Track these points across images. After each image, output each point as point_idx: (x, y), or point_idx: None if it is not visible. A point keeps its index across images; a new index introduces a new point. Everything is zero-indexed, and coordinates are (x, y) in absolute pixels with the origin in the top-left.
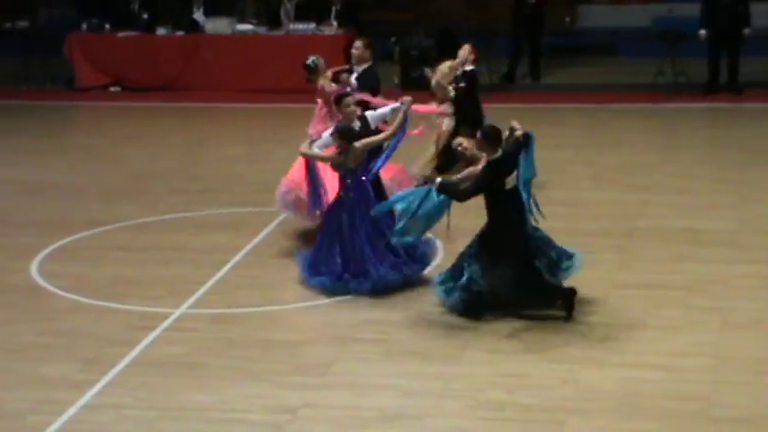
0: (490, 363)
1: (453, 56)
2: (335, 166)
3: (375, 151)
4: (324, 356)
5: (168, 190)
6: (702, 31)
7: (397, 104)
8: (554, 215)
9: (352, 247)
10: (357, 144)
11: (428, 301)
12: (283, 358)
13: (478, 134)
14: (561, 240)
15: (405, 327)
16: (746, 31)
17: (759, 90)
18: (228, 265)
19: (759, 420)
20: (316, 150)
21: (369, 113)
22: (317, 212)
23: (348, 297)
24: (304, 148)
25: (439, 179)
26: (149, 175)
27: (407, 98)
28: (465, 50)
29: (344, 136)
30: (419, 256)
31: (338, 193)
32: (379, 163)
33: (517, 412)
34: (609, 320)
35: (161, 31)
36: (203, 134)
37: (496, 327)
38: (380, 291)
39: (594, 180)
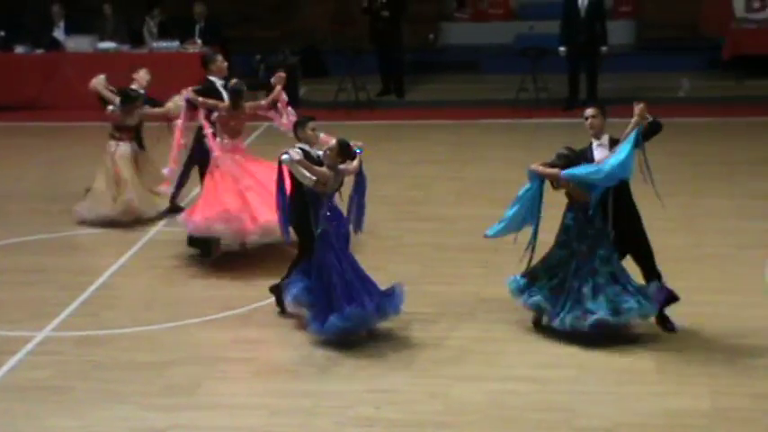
0: (359, 379)
1: (321, 73)
2: (320, 187)
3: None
4: (191, 377)
5: (30, 210)
6: (562, 48)
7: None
8: (421, 231)
9: (351, 280)
10: (343, 167)
11: (296, 319)
12: (150, 379)
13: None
14: (429, 256)
15: (274, 345)
16: (603, 48)
17: (616, 105)
18: (93, 287)
19: (620, 429)
20: (301, 167)
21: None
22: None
23: (218, 315)
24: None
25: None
26: (11, 195)
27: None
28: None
29: (345, 153)
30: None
31: (318, 225)
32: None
33: (386, 428)
34: (477, 334)
35: (19, 50)
36: (66, 153)
37: (364, 343)
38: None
39: (460, 195)
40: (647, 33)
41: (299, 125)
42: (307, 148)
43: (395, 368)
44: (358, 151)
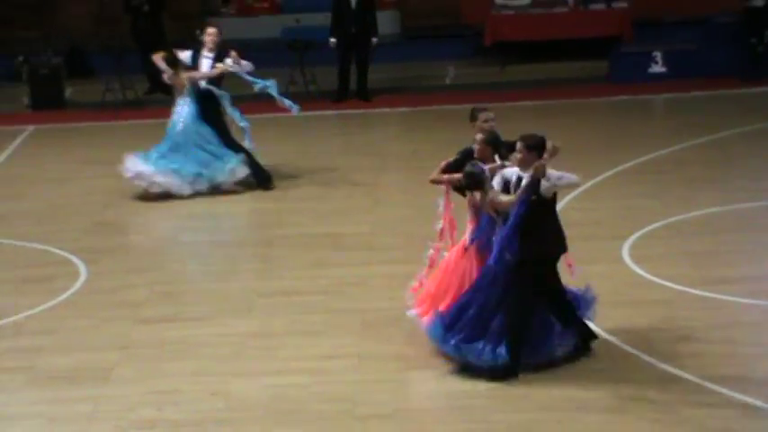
0: (140, 381)
1: (86, 74)
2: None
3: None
4: None
5: None
6: (333, 40)
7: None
8: (193, 229)
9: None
10: (489, 194)
11: (74, 327)
12: None
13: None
14: (205, 253)
15: (51, 352)
16: (374, 40)
17: (386, 95)
18: None
19: (402, 415)
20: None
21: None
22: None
23: None
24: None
25: None
26: None
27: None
28: None
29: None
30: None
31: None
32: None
33: (168, 428)
34: (255, 330)
35: None
36: None
37: (144, 346)
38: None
39: (232, 191)
40: (412, 22)
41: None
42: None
43: (175, 368)
44: None
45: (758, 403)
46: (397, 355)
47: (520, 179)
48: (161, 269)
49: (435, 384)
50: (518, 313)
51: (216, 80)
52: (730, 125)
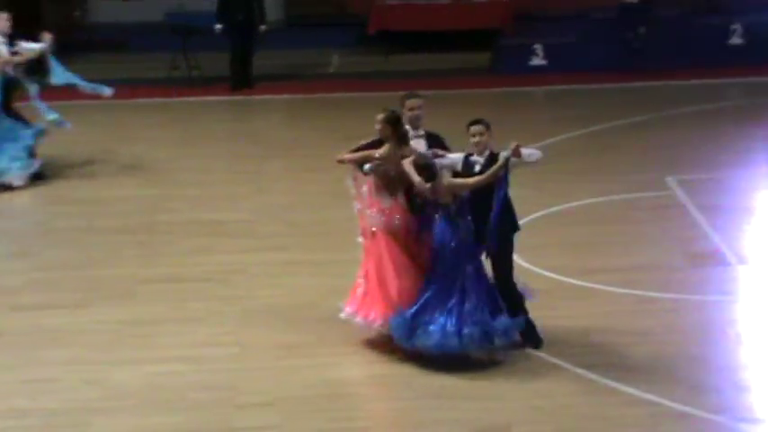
0: (13, 370)
1: None
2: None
3: None
4: None
5: None
6: (218, 26)
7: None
8: (74, 214)
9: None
10: (443, 181)
11: None
12: None
13: None
14: (82, 240)
15: None
16: (262, 27)
17: (270, 82)
18: None
19: (281, 403)
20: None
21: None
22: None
23: None
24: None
25: None
26: None
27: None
28: None
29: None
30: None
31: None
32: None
33: (41, 418)
34: (134, 317)
35: None
36: None
37: (16, 334)
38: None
39: (112, 177)
40: (296, 10)
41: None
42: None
43: (51, 357)
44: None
45: (633, 391)
46: (277, 344)
47: (472, 163)
48: (37, 255)
49: (315, 372)
50: (511, 284)
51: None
52: (608, 118)
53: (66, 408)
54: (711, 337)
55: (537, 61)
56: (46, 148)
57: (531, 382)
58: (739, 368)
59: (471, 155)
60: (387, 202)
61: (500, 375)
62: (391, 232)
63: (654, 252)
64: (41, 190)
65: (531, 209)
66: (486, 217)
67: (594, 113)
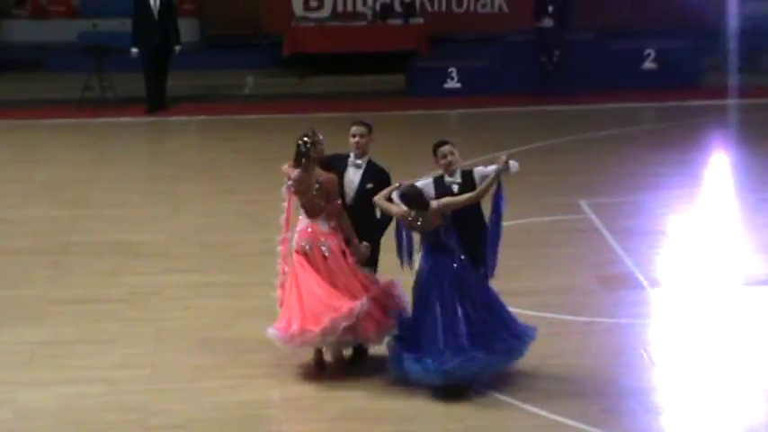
0: None
1: None
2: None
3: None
4: None
5: None
6: (134, 50)
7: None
8: None
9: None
10: (434, 205)
11: None
12: None
13: None
14: None
15: None
16: (177, 48)
17: (185, 103)
18: None
19: (194, 425)
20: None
21: (478, 169)
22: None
23: None
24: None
25: None
26: None
27: (502, 157)
28: None
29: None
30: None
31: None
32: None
33: None
34: (46, 338)
35: None
36: None
37: None
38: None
39: (25, 197)
40: (211, 30)
41: (433, 151)
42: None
43: None
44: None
45: (544, 413)
46: (190, 366)
47: (448, 184)
48: None
49: (228, 395)
50: None
51: None
52: (521, 141)
53: None
54: (623, 360)
55: (451, 84)
56: None
57: (444, 405)
58: (651, 390)
59: (441, 177)
60: (303, 223)
61: (413, 397)
62: (301, 253)
63: (567, 275)
64: None
65: None
66: (471, 237)
67: (509, 137)
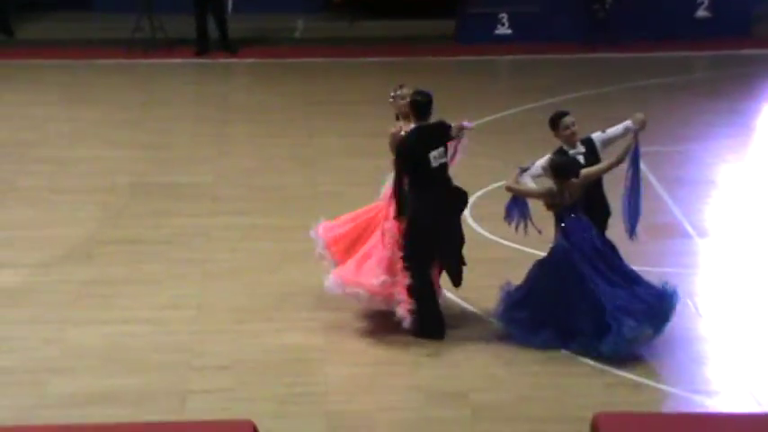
0: None
1: None
2: (551, 204)
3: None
4: None
5: None
6: None
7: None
8: (36, 174)
9: (586, 302)
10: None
11: None
12: None
13: None
14: (45, 199)
15: None
16: None
17: (248, 47)
18: None
19: (238, 366)
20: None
21: (597, 135)
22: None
23: None
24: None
25: None
26: None
27: (639, 116)
28: None
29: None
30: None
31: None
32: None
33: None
34: (94, 278)
35: None
36: None
37: None
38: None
39: (73, 137)
40: None
41: (552, 124)
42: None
43: (10, 316)
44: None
45: (589, 362)
46: (236, 308)
47: (573, 156)
48: None
49: (272, 338)
50: None
51: None
52: (571, 89)
53: (25, 366)
54: None
55: (502, 30)
56: None
57: (488, 351)
58: (698, 340)
59: (561, 150)
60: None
61: (456, 345)
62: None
63: (620, 224)
64: (2, 150)
65: (494, 178)
66: (595, 210)
67: (559, 84)
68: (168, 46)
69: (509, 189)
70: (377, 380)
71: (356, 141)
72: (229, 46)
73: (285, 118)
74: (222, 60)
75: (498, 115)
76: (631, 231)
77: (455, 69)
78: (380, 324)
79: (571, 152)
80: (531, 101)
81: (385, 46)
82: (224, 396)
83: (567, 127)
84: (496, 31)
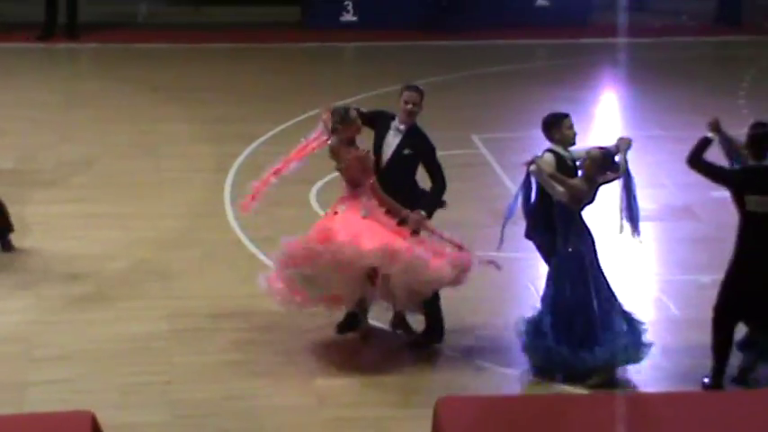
0: None
1: None
2: (575, 200)
3: None
4: None
5: None
6: None
7: None
8: None
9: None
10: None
11: None
12: None
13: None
14: None
15: None
16: None
17: (91, 32)
18: None
19: (79, 356)
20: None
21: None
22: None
23: None
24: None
25: None
26: None
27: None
28: None
29: (607, 165)
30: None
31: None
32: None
33: None
34: None
35: None
36: None
37: None
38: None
39: None
40: None
41: (552, 123)
42: (561, 151)
43: None
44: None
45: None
46: (78, 296)
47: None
48: None
49: (115, 326)
50: None
51: None
52: (416, 76)
53: None
54: (510, 293)
55: (347, 17)
56: None
57: (334, 338)
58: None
59: (556, 152)
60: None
61: (302, 333)
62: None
63: (460, 209)
64: None
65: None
66: None
67: (403, 71)
68: (7, 30)
69: (552, 176)
70: (222, 368)
71: (201, 128)
72: (74, 31)
73: (129, 104)
74: (64, 45)
75: (343, 102)
76: (635, 231)
77: (300, 55)
78: (227, 312)
79: (565, 154)
80: (376, 87)
81: (230, 31)
82: (64, 387)
83: (571, 127)
84: (342, 18)
